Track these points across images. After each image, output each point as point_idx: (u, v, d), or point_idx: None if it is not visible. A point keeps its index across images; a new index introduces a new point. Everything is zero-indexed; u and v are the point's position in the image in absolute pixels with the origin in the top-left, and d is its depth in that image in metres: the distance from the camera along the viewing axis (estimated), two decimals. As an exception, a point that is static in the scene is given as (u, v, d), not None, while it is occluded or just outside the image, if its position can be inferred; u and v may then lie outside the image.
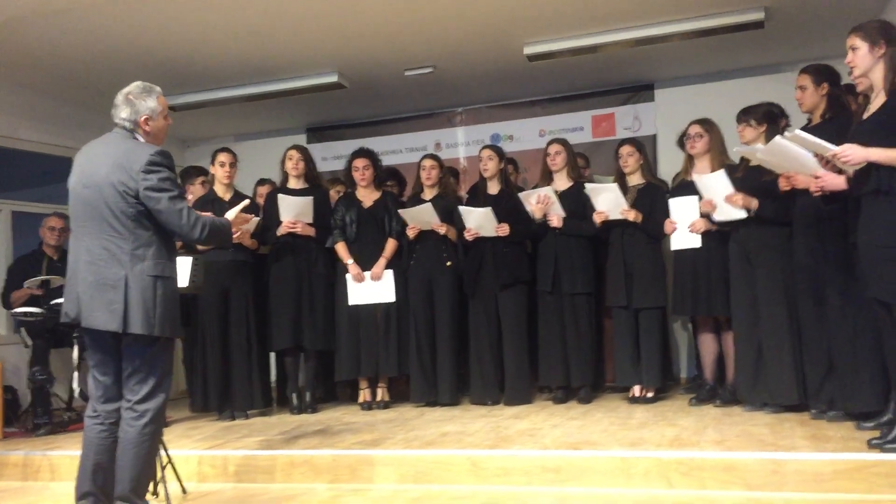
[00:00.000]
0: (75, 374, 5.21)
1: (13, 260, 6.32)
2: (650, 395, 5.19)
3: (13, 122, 6.45)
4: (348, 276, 5.54)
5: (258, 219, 5.38)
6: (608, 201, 5.14)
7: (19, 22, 5.19)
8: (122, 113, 3.22)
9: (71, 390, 5.76)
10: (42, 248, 6.09)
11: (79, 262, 3.12)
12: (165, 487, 3.69)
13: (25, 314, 5.42)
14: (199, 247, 5.18)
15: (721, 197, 4.71)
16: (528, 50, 5.95)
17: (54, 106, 6.60)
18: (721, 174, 4.74)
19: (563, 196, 5.33)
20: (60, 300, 5.21)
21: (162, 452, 3.76)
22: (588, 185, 5.27)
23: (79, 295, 3.08)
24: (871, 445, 3.44)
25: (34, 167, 6.62)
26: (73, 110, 6.58)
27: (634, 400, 5.19)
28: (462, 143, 7.54)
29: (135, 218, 3.09)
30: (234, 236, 5.11)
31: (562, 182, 5.47)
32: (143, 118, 3.22)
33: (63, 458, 4.39)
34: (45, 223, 6.06)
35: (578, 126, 7.14)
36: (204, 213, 3.30)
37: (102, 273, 3.06)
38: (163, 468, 3.74)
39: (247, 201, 3.74)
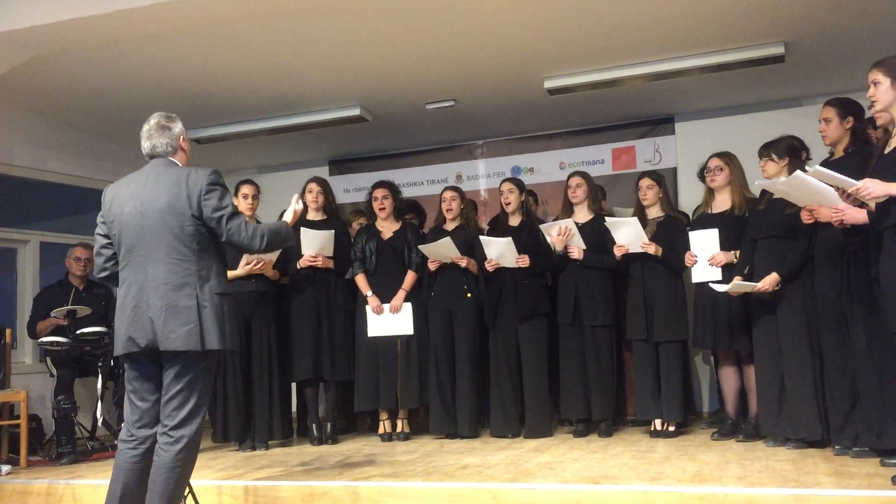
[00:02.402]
0: (99, 404, 5.27)
1: (40, 289, 6.41)
2: (671, 429, 5.15)
3: (41, 154, 6.59)
4: (368, 308, 5.57)
5: (279, 250, 5.43)
6: (628, 234, 5.15)
7: (48, 58, 5.32)
8: (161, 140, 3.38)
9: (94, 419, 5.81)
10: (68, 278, 6.17)
11: (145, 290, 3.20)
12: (187, 517, 3.71)
13: (51, 343, 5.49)
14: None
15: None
16: (549, 84, 6.00)
17: (81, 138, 6.74)
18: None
19: (583, 228, 5.35)
20: (89, 329, 5.32)
21: (183, 482, 3.79)
22: (608, 219, 5.28)
23: (152, 320, 3.16)
24: (896, 482, 3.40)
25: (61, 198, 6.74)
26: (99, 142, 6.71)
27: (655, 434, 5.15)
28: (483, 175, 7.59)
29: (199, 240, 3.23)
30: (257, 267, 5.24)
31: (582, 215, 5.49)
32: (180, 139, 3.42)
33: (86, 487, 4.42)
34: (70, 253, 6.15)
35: (599, 159, 7.17)
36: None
37: (174, 296, 3.17)
38: (184, 497, 3.77)
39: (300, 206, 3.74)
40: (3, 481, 4.77)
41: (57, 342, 5.47)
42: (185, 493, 3.76)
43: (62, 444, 5.42)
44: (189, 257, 3.22)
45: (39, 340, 5.71)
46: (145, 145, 3.40)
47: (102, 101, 6.11)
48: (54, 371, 5.68)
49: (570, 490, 3.70)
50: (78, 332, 5.44)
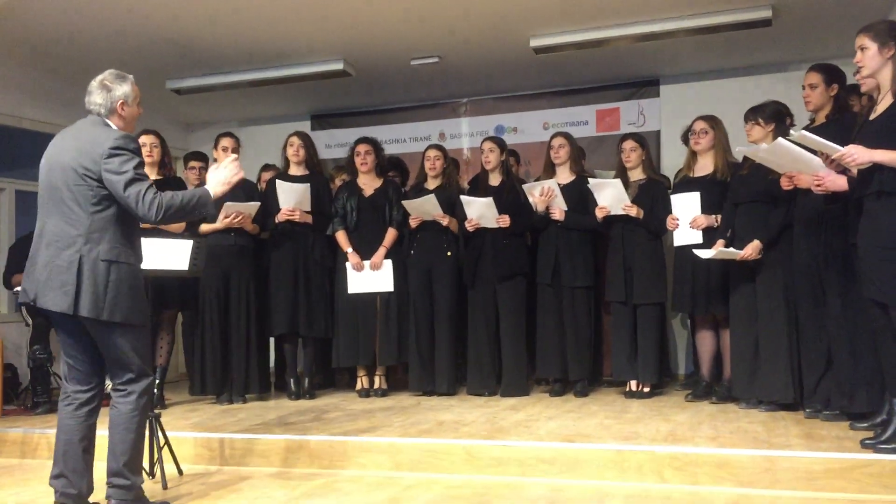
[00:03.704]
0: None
1: (15, 239, 6.33)
2: (646, 390, 5.21)
3: (17, 100, 6.46)
4: (348, 265, 5.55)
5: (259, 204, 5.39)
6: (610, 196, 5.15)
7: (22, 1, 5.18)
8: (97, 98, 3.22)
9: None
10: (44, 227, 6.09)
11: (40, 243, 3.14)
12: (162, 468, 3.72)
13: (26, 293, 5.43)
14: (206, 226, 5.22)
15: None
16: (535, 42, 5.94)
17: (59, 86, 6.61)
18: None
19: (565, 189, 5.34)
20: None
21: (159, 434, 3.80)
22: (591, 181, 5.27)
23: (36, 276, 3.09)
24: (864, 445, 3.45)
25: (37, 146, 6.59)
26: (76, 90, 6.49)
27: (630, 394, 5.21)
28: (466, 133, 7.54)
29: (94, 202, 3.09)
30: (235, 221, 5.17)
31: (564, 175, 5.47)
32: (119, 103, 3.23)
33: (61, 436, 4.41)
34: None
35: (583, 120, 7.14)
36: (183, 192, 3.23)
37: (58, 255, 3.07)
38: (159, 449, 3.78)
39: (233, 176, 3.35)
40: (-22, 430, 4.76)
41: (32, 292, 5.41)
42: (161, 445, 3.78)
43: (38, 393, 5.41)
44: (81, 218, 3.08)
45: (14, 290, 5.65)
46: (86, 99, 3.25)
47: (80, 48, 5.97)
48: (29, 320, 5.64)
49: (545, 448, 3.74)
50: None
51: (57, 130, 3.41)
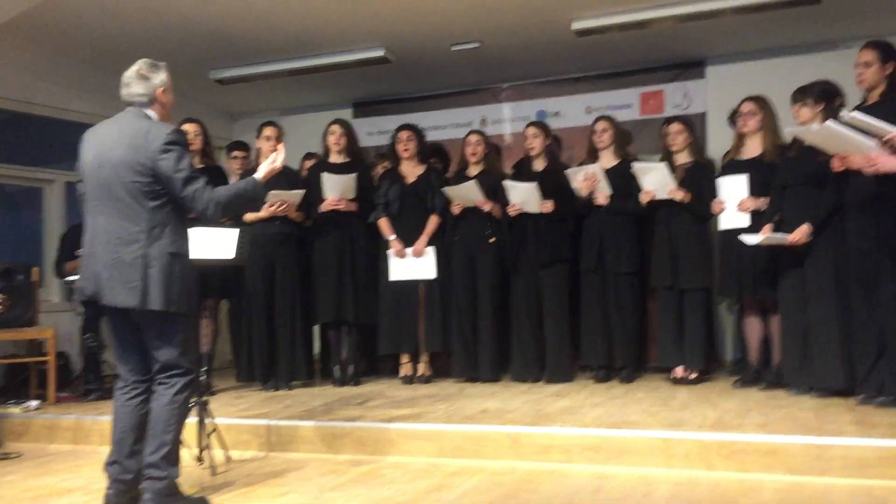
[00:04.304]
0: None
1: (66, 229, 6.46)
2: (693, 376, 5.14)
3: (64, 93, 6.57)
4: (390, 252, 5.56)
5: (302, 192, 5.42)
6: (656, 180, 5.07)
7: (70, -5, 5.27)
8: (138, 89, 3.23)
9: (120, 357, 5.90)
10: (93, 218, 6.20)
11: (96, 242, 3.14)
12: (210, 454, 3.78)
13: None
14: (248, 216, 5.27)
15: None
16: (577, 25, 5.86)
17: (104, 78, 6.67)
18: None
19: (609, 174, 5.28)
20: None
21: (207, 420, 3.85)
22: (635, 164, 5.20)
23: (97, 273, 3.10)
24: (921, 433, 3.37)
25: (86, 138, 6.74)
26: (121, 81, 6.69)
27: (677, 381, 5.15)
28: (507, 119, 7.48)
29: (152, 197, 3.11)
30: (280, 209, 5.20)
31: (608, 160, 5.41)
32: (159, 90, 3.25)
33: (112, 423, 4.51)
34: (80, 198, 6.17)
35: (626, 103, 7.03)
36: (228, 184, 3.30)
37: (120, 252, 3.08)
38: (208, 436, 3.83)
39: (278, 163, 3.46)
40: (33, 416, 4.89)
41: (83, 281, 5.51)
42: (210, 432, 3.84)
43: (89, 381, 5.52)
44: (140, 213, 3.10)
45: (66, 279, 5.77)
46: (123, 92, 3.26)
47: (123, 40, 6.05)
48: (81, 309, 5.75)
49: (590, 435, 3.72)
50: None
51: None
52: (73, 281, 5.45)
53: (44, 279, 6.18)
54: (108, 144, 3.17)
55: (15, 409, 4.98)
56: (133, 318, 3.16)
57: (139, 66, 3.27)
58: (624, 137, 5.63)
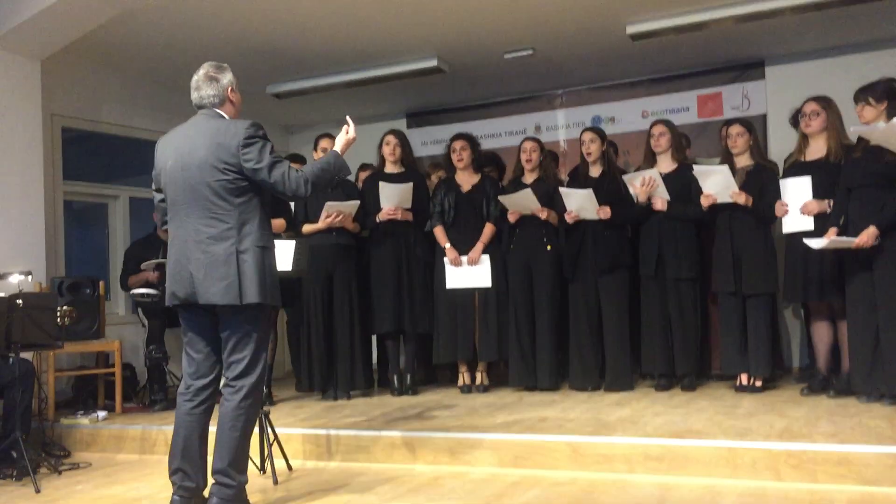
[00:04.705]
0: (187, 353, 5.42)
1: (130, 243, 6.63)
2: (758, 384, 5.01)
3: (128, 111, 6.76)
4: (446, 260, 5.57)
5: (358, 202, 5.46)
6: (716, 184, 4.97)
7: (131, 14, 5.41)
8: (209, 90, 3.32)
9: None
10: (156, 231, 6.34)
11: (187, 244, 3.20)
12: (272, 464, 3.82)
13: (142, 295, 5.67)
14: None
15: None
16: (631, 29, 5.80)
17: (166, 95, 6.87)
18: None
19: (667, 178, 5.20)
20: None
21: (269, 430, 3.90)
22: (696, 168, 5.11)
23: (191, 274, 3.17)
24: None
25: (148, 154, 6.89)
26: (182, 98, 6.79)
27: (741, 389, 5.03)
28: (562, 125, 7.44)
29: (238, 193, 3.19)
30: (336, 220, 5.26)
31: (666, 164, 5.33)
32: (228, 89, 3.35)
33: (177, 432, 4.59)
34: (157, 208, 6.31)
35: (683, 106, 6.93)
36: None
37: (213, 250, 3.14)
38: (269, 445, 3.88)
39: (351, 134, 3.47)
40: (101, 426, 5.01)
41: (147, 294, 5.65)
42: (271, 441, 3.88)
43: (154, 391, 5.64)
44: (229, 211, 3.17)
45: (131, 292, 5.91)
46: (194, 96, 3.35)
47: (183, 57, 6.19)
48: (146, 321, 5.88)
49: (653, 444, 3.65)
50: (166, 283, 5.60)
51: (166, 139, 3.51)
52: (139, 294, 5.63)
53: (109, 292, 6.35)
54: (188, 148, 3.24)
55: (84, 420, 5.10)
56: (221, 317, 3.21)
57: (206, 68, 3.36)
58: (681, 141, 5.53)
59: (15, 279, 4.81)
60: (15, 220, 5.49)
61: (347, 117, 3.51)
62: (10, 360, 4.37)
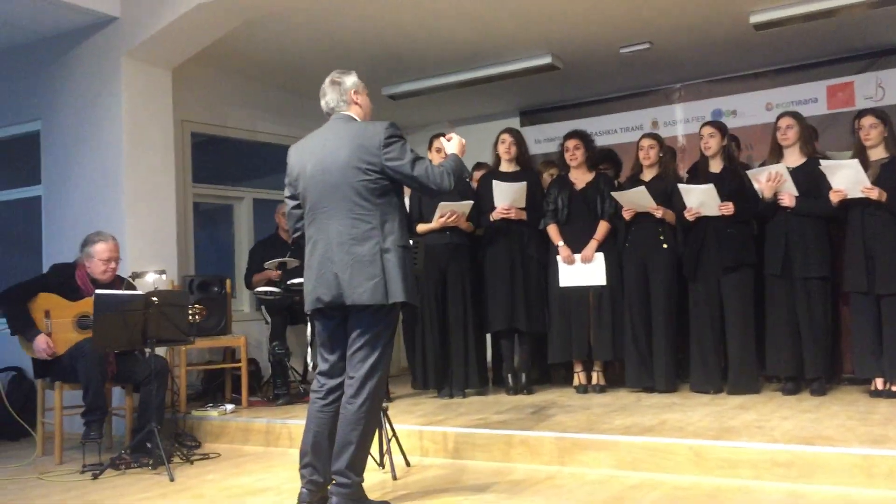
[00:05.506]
0: (308, 350, 5.60)
1: (254, 243, 6.88)
2: (895, 388, 4.73)
3: (252, 116, 7.04)
4: (559, 259, 5.52)
5: (472, 202, 5.48)
6: (847, 178, 4.72)
7: (255, 23, 5.62)
8: (333, 95, 3.41)
9: (305, 364, 6.22)
10: (278, 232, 6.57)
11: (329, 246, 3.26)
12: (391, 459, 3.88)
13: (265, 293, 5.87)
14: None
15: None
16: (755, 18, 5.58)
17: (287, 99, 7.12)
18: None
19: (794, 173, 4.97)
20: (297, 280, 5.66)
21: (387, 426, 3.96)
22: (824, 162, 4.86)
23: (336, 276, 3.22)
24: None
25: (271, 158, 7.18)
26: (303, 102, 7.05)
27: (876, 394, 4.76)
28: (681, 120, 7.26)
29: (379, 193, 3.25)
30: (450, 220, 5.31)
31: (793, 158, 5.09)
32: (352, 92, 3.42)
33: (300, 427, 4.64)
34: (279, 209, 6.53)
35: (811, 97, 6.63)
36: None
37: (357, 250, 3.21)
38: (388, 441, 3.94)
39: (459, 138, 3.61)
40: (229, 419, 5.23)
41: (270, 292, 5.83)
42: (390, 437, 3.95)
43: (277, 386, 5.84)
44: (371, 211, 3.23)
45: (255, 291, 6.13)
46: (322, 102, 3.44)
47: (304, 63, 6.39)
48: (269, 319, 6.10)
49: (781, 450, 3.51)
50: (288, 282, 5.78)
51: (289, 142, 3.64)
52: (262, 292, 5.83)
53: (235, 290, 6.61)
54: (327, 151, 3.32)
55: (213, 412, 5.34)
56: (353, 317, 3.26)
57: (331, 75, 3.46)
58: (810, 134, 5.28)
59: (150, 278, 5.08)
60: (149, 221, 5.80)
61: (447, 125, 3.56)
62: (146, 355, 4.61)
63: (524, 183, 5.49)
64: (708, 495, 3.34)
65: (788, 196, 4.95)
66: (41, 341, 4.76)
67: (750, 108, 6.89)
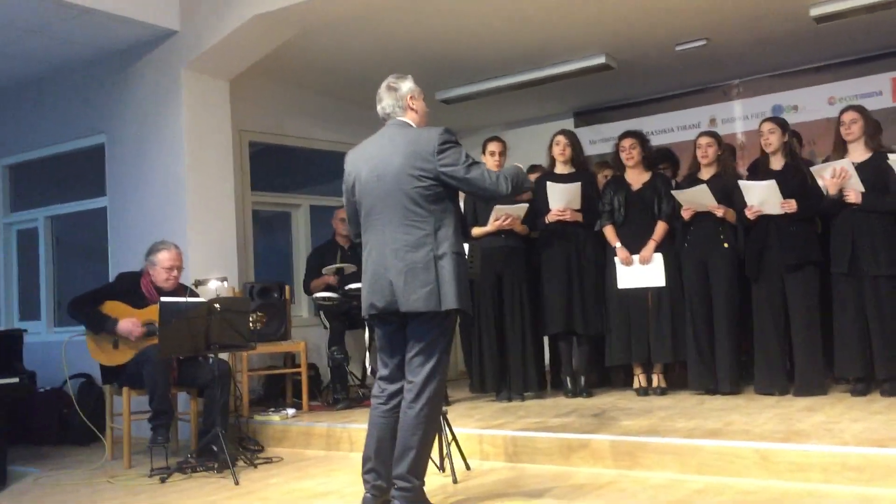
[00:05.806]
0: (367, 354, 5.65)
1: (311, 249, 6.97)
2: (971, 389, 4.56)
3: (308, 124, 7.13)
4: (617, 260, 5.46)
5: (527, 205, 5.45)
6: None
7: (309, 33, 5.70)
8: (389, 101, 3.41)
9: (364, 369, 6.27)
10: (335, 238, 6.64)
11: (384, 253, 3.27)
12: (451, 463, 3.88)
13: (323, 299, 5.94)
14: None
15: None
16: (816, 11, 5.45)
17: (342, 107, 7.19)
18: None
19: (860, 168, 4.82)
20: (354, 285, 5.71)
21: (447, 430, 3.97)
22: (891, 156, 4.72)
23: (391, 283, 3.23)
24: None
25: (326, 164, 7.26)
26: (357, 110, 7.11)
27: (952, 395, 4.60)
28: (739, 117, 7.12)
29: (433, 200, 3.25)
30: (506, 223, 5.30)
31: (858, 153, 4.95)
32: (408, 97, 3.41)
33: (360, 430, 4.72)
34: (336, 215, 6.59)
35: (876, 90, 6.44)
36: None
37: (411, 257, 3.21)
38: (447, 445, 3.95)
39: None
40: (290, 423, 5.30)
41: (328, 298, 5.90)
42: (450, 441, 3.95)
43: (337, 390, 5.89)
44: (426, 218, 3.22)
45: (313, 296, 6.21)
46: (378, 107, 3.44)
47: (358, 70, 6.45)
48: (327, 324, 6.16)
49: (852, 453, 3.40)
50: (346, 287, 5.85)
51: (344, 149, 3.68)
52: (321, 297, 5.89)
53: (294, 296, 6.70)
54: (382, 157, 3.33)
55: (275, 417, 5.42)
56: (411, 323, 3.27)
57: (387, 80, 3.47)
58: (875, 128, 5.12)
59: (213, 285, 5.18)
60: (211, 229, 5.92)
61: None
62: (210, 360, 4.70)
63: (578, 184, 5.45)
64: (775, 500, 3.27)
65: (854, 192, 4.81)
66: (126, 323, 4.87)
67: (812, 103, 6.73)
